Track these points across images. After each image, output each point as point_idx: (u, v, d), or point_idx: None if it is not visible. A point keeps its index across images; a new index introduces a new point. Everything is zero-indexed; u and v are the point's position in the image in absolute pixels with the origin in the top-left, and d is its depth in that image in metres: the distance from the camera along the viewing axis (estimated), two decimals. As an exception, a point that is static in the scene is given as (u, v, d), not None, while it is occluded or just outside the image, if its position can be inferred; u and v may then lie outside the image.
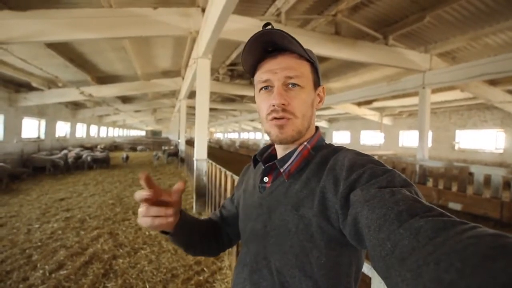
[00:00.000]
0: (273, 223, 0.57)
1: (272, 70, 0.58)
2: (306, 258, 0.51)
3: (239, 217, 0.73)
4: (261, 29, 0.57)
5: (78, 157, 10.10)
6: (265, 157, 0.71)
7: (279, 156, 0.65)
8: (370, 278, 0.91)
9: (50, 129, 11.74)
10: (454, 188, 5.71)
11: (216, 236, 0.77)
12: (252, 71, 0.64)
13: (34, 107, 9.77)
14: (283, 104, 0.56)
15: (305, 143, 0.62)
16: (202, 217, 0.85)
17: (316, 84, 0.63)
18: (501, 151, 10.10)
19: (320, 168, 0.56)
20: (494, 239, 0.26)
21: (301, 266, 0.51)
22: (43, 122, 11.12)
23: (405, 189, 0.41)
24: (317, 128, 0.67)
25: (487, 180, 5.22)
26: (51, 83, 8.80)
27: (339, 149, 0.59)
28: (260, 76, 0.60)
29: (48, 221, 4.32)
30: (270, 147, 0.73)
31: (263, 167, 0.65)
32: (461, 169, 5.66)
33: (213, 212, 0.86)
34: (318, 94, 0.64)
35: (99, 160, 10.61)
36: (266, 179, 0.64)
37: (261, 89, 0.61)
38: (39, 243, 3.48)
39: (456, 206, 5.30)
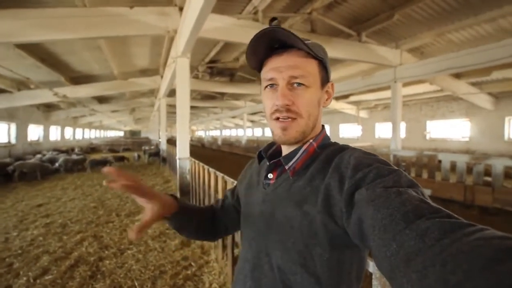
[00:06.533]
0: (276, 220, 0.57)
1: (277, 68, 0.57)
2: (309, 254, 0.51)
3: (242, 213, 0.72)
4: (263, 26, 0.66)
5: (78, 161, 10.29)
6: (270, 153, 0.70)
7: (284, 153, 0.64)
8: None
9: (22, 133, 11.18)
10: (425, 175, 6.13)
11: (214, 223, 0.80)
12: (259, 67, 0.63)
13: (3, 110, 9.25)
14: (287, 105, 0.55)
15: (311, 140, 0.61)
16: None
17: (324, 81, 0.61)
18: (467, 139, 10.85)
19: (325, 165, 0.55)
20: (502, 241, 0.25)
21: (304, 262, 0.51)
22: (13, 126, 10.56)
23: (412, 189, 0.41)
24: (323, 126, 0.66)
25: (454, 166, 5.65)
26: (22, 85, 8.38)
27: (345, 148, 0.58)
28: (266, 74, 0.59)
29: (26, 228, 4.19)
30: (275, 143, 0.71)
31: (268, 163, 0.65)
32: (430, 157, 6.09)
33: (218, 199, 0.90)
34: (327, 91, 0.63)
35: (77, 163, 10.25)
36: (270, 175, 0.64)
37: (266, 86, 0.60)
38: (19, 251, 3.38)
39: (426, 192, 5.67)
